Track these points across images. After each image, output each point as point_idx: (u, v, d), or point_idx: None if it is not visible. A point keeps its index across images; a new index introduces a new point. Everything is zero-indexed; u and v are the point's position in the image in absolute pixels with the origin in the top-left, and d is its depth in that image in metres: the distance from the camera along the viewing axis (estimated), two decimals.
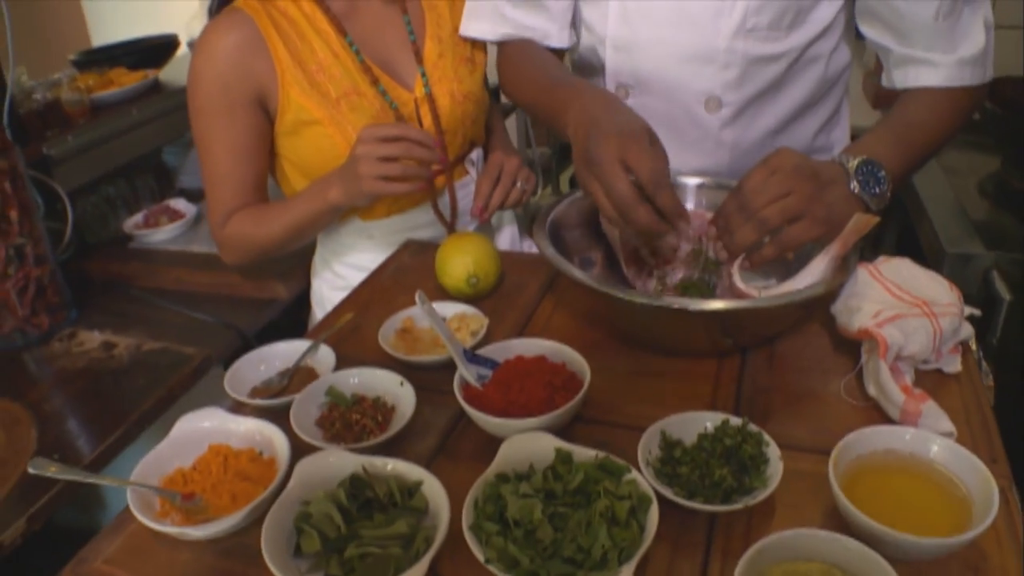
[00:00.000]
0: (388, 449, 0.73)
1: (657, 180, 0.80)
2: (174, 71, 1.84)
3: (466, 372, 0.77)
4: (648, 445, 0.70)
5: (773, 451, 0.69)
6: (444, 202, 1.21)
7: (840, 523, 0.63)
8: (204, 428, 0.75)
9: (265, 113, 1.11)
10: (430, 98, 1.15)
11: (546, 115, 1.02)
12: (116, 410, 1.05)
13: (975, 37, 0.96)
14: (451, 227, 1.22)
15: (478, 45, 1.22)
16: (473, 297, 0.98)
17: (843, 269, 0.84)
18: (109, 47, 1.82)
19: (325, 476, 0.67)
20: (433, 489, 0.65)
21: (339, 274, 1.24)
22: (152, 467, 0.71)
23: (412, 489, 0.66)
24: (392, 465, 0.68)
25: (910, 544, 0.57)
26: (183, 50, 1.94)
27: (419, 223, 1.20)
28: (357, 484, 0.66)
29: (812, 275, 0.85)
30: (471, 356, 0.79)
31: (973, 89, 0.99)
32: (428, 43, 1.16)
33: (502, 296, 1.02)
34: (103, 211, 1.57)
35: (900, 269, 0.87)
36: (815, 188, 0.83)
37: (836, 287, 0.83)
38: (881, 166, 0.88)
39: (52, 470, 0.69)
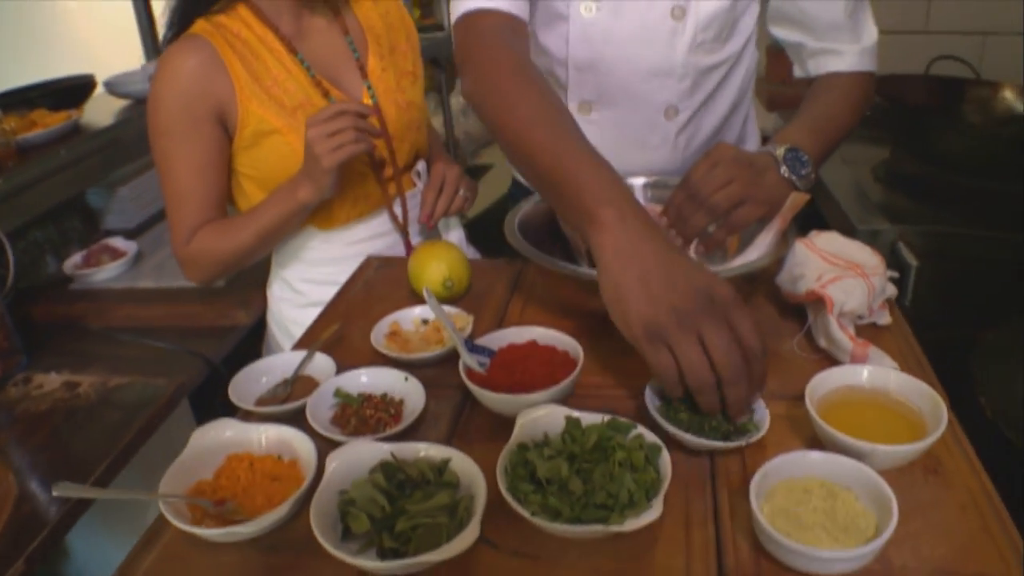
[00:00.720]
0: (404, 439, 0.77)
1: (761, 350, 0.72)
2: (93, 112, 1.82)
3: (469, 360, 0.83)
4: (650, 398, 0.78)
5: (759, 402, 0.78)
6: (397, 210, 1.28)
7: (817, 449, 0.72)
8: (221, 439, 0.77)
9: (225, 130, 1.16)
10: (377, 108, 1.23)
11: (541, 178, 0.87)
12: (93, 447, 1.04)
13: (871, 30, 1.13)
14: (405, 232, 1.28)
15: (417, 60, 1.31)
16: (448, 300, 1.04)
17: (784, 243, 0.95)
18: (25, 88, 1.78)
19: (357, 466, 0.71)
20: (462, 464, 0.70)
21: (299, 291, 1.28)
22: (174, 481, 0.73)
23: (441, 468, 0.71)
24: (417, 448, 0.73)
25: (883, 453, 0.68)
26: (100, 90, 1.91)
27: (376, 232, 1.27)
28: (389, 468, 0.71)
29: (759, 249, 0.96)
30: (470, 346, 0.85)
31: (871, 75, 1.14)
32: (371, 59, 1.24)
33: (474, 298, 1.08)
34: (34, 255, 1.54)
35: (831, 240, 1.00)
36: (753, 174, 0.94)
37: (781, 257, 0.94)
38: (804, 151, 1.00)
39: (75, 492, 0.70)
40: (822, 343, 0.90)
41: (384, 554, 0.64)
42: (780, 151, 0.99)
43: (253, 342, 1.37)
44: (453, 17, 1.03)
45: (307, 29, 1.21)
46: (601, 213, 0.76)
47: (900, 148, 1.64)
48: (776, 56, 2.16)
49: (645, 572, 0.62)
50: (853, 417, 0.74)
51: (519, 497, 0.66)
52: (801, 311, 0.97)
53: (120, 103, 1.96)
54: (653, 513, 0.63)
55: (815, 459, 0.67)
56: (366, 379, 0.85)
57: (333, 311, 1.08)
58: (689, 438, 0.73)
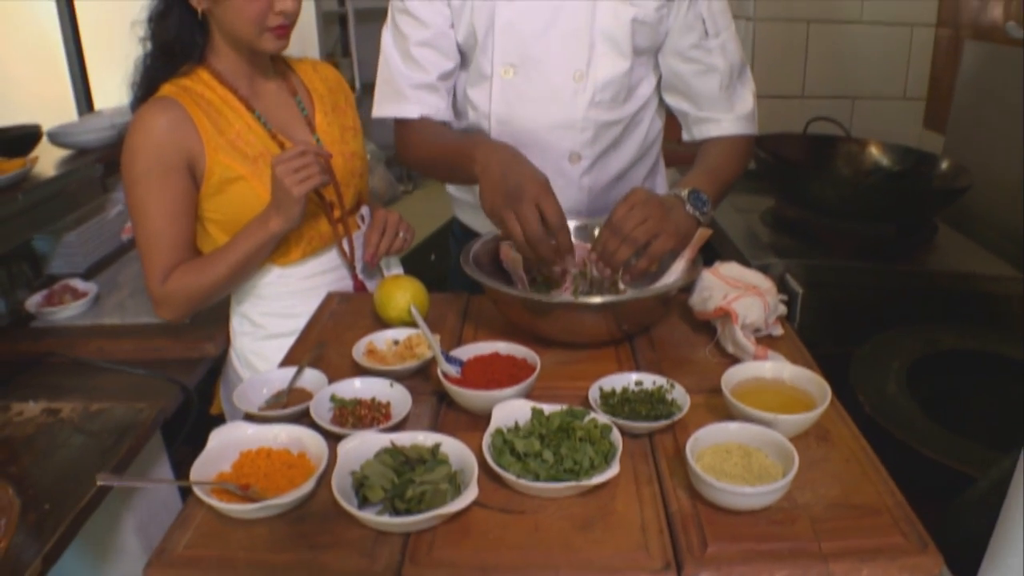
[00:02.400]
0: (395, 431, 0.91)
1: (561, 223, 1.11)
2: (37, 161, 1.88)
3: (446, 366, 0.99)
4: (593, 396, 0.95)
5: (679, 389, 0.97)
6: (346, 248, 1.43)
7: None
8: (236, 437, 0.88)
9: (193, 179, 1.30)
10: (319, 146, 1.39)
11: (448, 164, 1.30)
12: (83, 470, 1.11)
13: (746, 101, 1.39)
14: (353, 265, 1.44)
15: (356, 117, 1.50)
16: (412, 325, 1.19)
17: (693, 269, 1.16)
18: None
19: (364, 451, 0.84)
20: (452, 446, 0.85)
21: (259, 324, 1.40)
22: (199, 473, 0.84)
23: (435, 450, 0.85)
24: (413, 436, 0.87)
25: (784, 421, 0.87)
26: (44, 140, 1.98)
27: (327, 267, 1.42)
28: (391, 452, 0.85)
29: (673, 275, 1.16)
30: (445, 355, 1.01)
31: (748, 137, 1.40)
32: (318, 116, 1.41)
33: (431, 325, 1.22)
34: None
35: (731, 268, 1.21)
36: (664, 212, 1.14)
37: (691, 281, 1.14)
38: (703, 192, 1.22)
39: (117, 480, 0.81)
40: (730, 349, 1.10)
41: (399, 513, 0.77)
42: (684, 193, 1.21)
43: (220, 372, 1.47)
44: (376, 112, 1.41)
45: (261, 91, 1.38)
46: (475, 155, 1.17)
47: (783, 197, 1.91)
48: (671, 119, 2.43)
49: (609, 518, 0.78)
50: (759, 399, 0.93)
51: (504, 466, 0.82)
52: (709, 326, 1.17)
53: (62, 153, 2.02)
54: (613, 470, 0.80)
55: (733, 428, 0.86)
56: (359, 384, 0.99)
57: (307, 338, 1.21)
58: (628, 424, 0.90)
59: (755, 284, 1.16)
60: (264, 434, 0.89)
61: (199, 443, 0.89)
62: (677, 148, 2.56)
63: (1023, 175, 1.76)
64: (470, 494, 0.76)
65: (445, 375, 0.97)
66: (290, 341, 1.37)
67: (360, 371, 1.06)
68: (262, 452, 0.87)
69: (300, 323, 1.37)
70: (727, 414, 0.95)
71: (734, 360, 1.09)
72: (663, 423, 0.90)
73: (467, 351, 1.04)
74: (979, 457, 1.14)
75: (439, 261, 2.73)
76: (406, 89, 1.36)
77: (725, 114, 1.37)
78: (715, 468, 0.82)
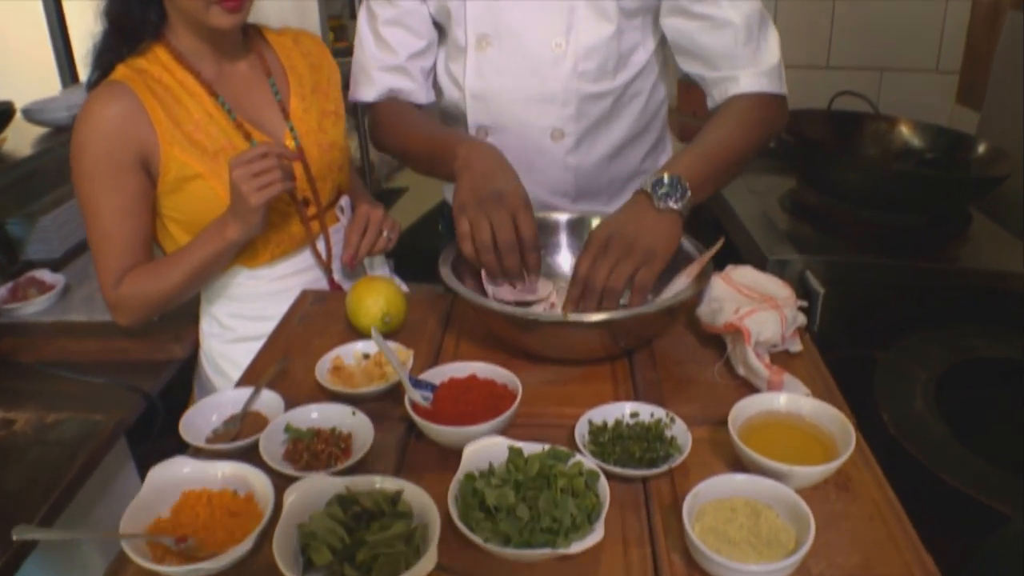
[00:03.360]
0: (355, 472, 0.81)
1: (535, 244, 1.02)
2: (11, 140, 1.77)
3: (414, 394, 0.87)
4: (581, 433, 0.84)
5: (680, 425, 0.85)
6: (320, 246, 1.31)
7: (740, 470, 0.80)
8: (177, 476, 0.78)
9: (148, 175, 1.17)
10: (300, 149, 1.26)
11: (427, 155, 1.19)
12: (33, 486, 1.02)
13: (770, 53, 1.18)
14: (328, 268, 1.31)
15: (339, 100, 1.36)
16: (386, 334, 1.08)
17: (701, 279, 1.02)
18: None
19: (313, 499, 0.74)
20: (414, 494, 0.74)
21: (228, 326, 1.29)
22: (133, 520, 0.74)
23: (395, 499, 0.75)
24: (371, 481, 0.76)
25: (800, 473, 0.75)
26: (18, 117, 1.86)
27: (299, 268, 1.30)
28: (344, 501, 0.74)
29: (674, 290, 1.03)
30: (414, 381, 0.89)
31: (773, 96, 1.19)
32: (293, 100, 1.27)
33: (409, 332, 1.12)
34: None
35: (745, 274, 1.08)
36: (633, 240, 0.98)
37: (696, 293, 1.01)
38: (677, 176, 1.02)
39: (36, 534, 0.71)
40: (741, 371, 0.98)
41: None
42: (650, 183, 1.02)
43: (189, 375, 1.37)
44: (350, 96, 1.33)
45: (228, 73, 1.24)
46: (458, 151, 1.07)
47: (803, 180, 1.77)
48: (687, 88, 2.28)
49: None
50: (771, 440, 0.81)
51: (471, 525, 0.71)
52: (719, 340, 1.05)
53: (38, 131, 1.91)
54: (596, 536, 0.69)
55: (739, 481, 0.74)
56: (316, 415, 0.88)
57: (274, 345, 1.10)
58: (618, 470, 0.79)
59: (771, 294, 1.04)
60: (206, 472, 0.79)
61: (173, 443, 0.81)
62: (691, 121, 2.42)
63: None
64: (428, 561, 0.66)
65: (413, 405, 0.86)
66: (260, 345, 1.28)
67: (323, 392, 0.95)
68: (203, 495, 0.77)
69: (271, 326, 1.26)
70: (733, 453, 0.83)
71: (744, 383, 0.98)
72: (659, 470, 0.79)
73: (441, 373, 0.93)
74: (1015, 491, 1.02)
75: (438, 238, 2.60)
76: (373, 72, 1.26)
77: (743, 70, 1.18)
78: (717, 531, 0.70)
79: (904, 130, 1.81)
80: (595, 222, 1.18)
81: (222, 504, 0.76)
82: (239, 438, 0.86)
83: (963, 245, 1.58)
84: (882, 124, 1.84)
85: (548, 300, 1.09)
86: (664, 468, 0.79)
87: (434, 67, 1.32)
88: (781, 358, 1.02)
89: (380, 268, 1.40)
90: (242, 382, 1.00)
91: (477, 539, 0.69)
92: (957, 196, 1.60)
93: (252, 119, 1.22)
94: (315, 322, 1.16)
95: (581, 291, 0.99)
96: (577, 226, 1.20)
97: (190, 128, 1.17)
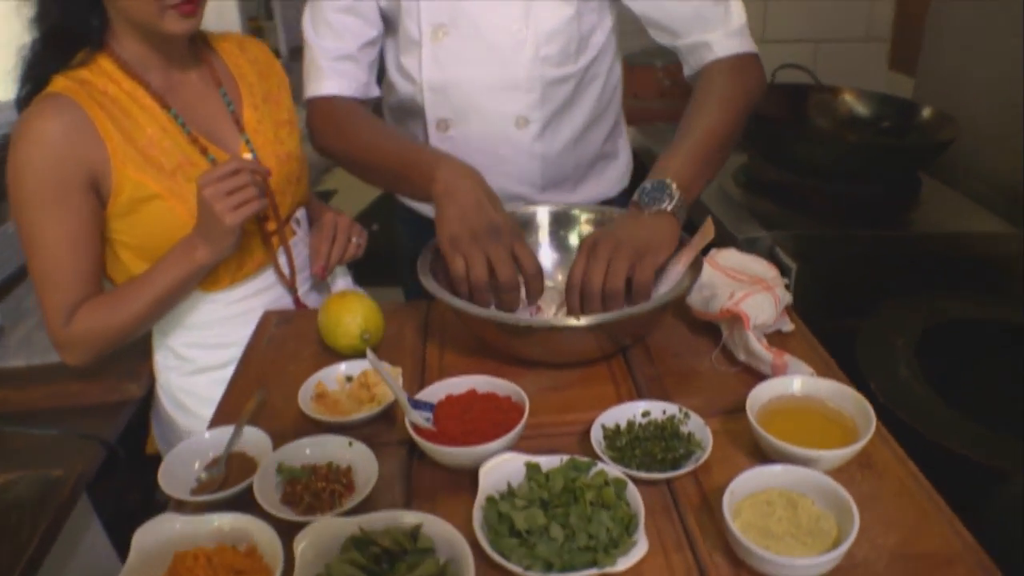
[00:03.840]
0: (364, 509, 0.74)
1: (538, 270, 0.97)
2: None
3: (416, 416, 0.82)
4: (597, 439, 0.80)
5: (696, 419, 0.82)
6: (282, 261, 1.23)
7: (761, 459, 0.77)
8: (167, 536, 0.71)
9: (98, 196, 1.07)
10: (257, 163, 1.16)
11: (393, 172, 1.11)
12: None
13: (736, 13, 1.16)
14: (293, 286, 1.24)
15: (292, 108, 1.28)
16: (364, 352, 1.01)
17: (694, 269, 0.99)
18: None
19: (326, 545, 0.68)
20: (435, 526, 0.69)
21: (186, 357, 1.20)
22: None
23: (414, 533, 0.69)
24: (385, 518, 0.70)
25: (828, 457, 0.73)
26: None
27: (262, 287, 1.22)
28: (360, 543, 0.68)
29: (669, 282, 0.99)
30: (413, 402, 0.84)
31: (749, 55, 1.16)
32: (246, 111, 1.19)
33: (389, 346, 1.06)
34: None
35: (730, 257, 1.06)
36: (621, 241, 0.94)
37: (691, 286, 0.97)
38: (664, 181, 1.00)
39: None
40: (741, 357, 0.96)
41: None
42: (636, 195, 1.01)
43: (146, 415, 1.27)
44: (304, 97, 1.23)
45: (178, 82, 1.14)
46: (436, 174, 1.00)
47: (757, 155, 1.77)
48: (630, 70, 2.26)
49: None
50: (790, 425, 0.79)
51: (504, 553, 0.66)
52: (711, 327, 1.03)
53: None
54: (640, 548, 0.65)
55: (774, 472, 0.72)
56: (309, 451, 0.81)
57: (245, 375, 1.03)
58: (643, 475, 0.75)
59: (760, 276, 1.02)
60: (200, 529, 0.72)
61: (137, 487, 0.71)
62: (634, 103, 2.41)
63: (1007, 119, 1.65)
64: None
65: (415, 428, 0.81)
66: (224, 374, 1.18)
67: (309, 423, 0.89)
68: (200, 555, 0.70)
69: (234, 353, 1.18)
70: (751, 441, 0.81)
71: (745, 369, 0.95)
72: (685, 470, 0.76)
73: (437, 391, 0.88)
74: (1010, 450, 1.03)
75: (382, 236, 2.51)
76: (324, 63, 1.18)
77: (714, 32, 1.15)
78: (757, 527, 0.68)
79: (848, 99, 1.83)
80: (584, 219, 1.15)
81: (224, 563, 0.69)
82: (227, 485, 0.79)
83: (916, 209, 1.61)
84: (826, 94, 1.86)
85: (535, 304, 1.04)
86: (690, 467, 0.76)
87: (379, 63, 1.26)
88: (775, 339, 1.01)
89: (342, 278, 1.33)
90: (217, 420, 0.92)
91: (517, 568, 0.64)
92: (909, 162, 1.63)
93: (206, 132, 1.13)
94: (285, 345, 1.09)
95: (580, 296, 0.94)
96: (560, 220, 1.16)
97: (144, 144, 1.06)
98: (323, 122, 1.20)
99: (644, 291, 0.94)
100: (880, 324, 1.30)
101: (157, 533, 0.71)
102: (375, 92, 1.23)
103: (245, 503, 0.76)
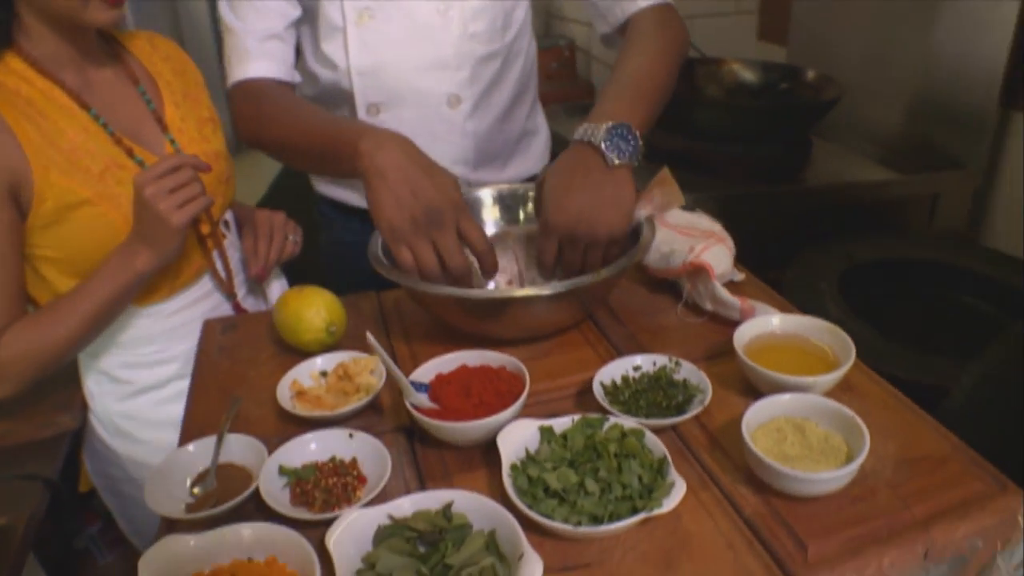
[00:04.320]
0: (383, 498, 0.71)
1: (489, 247, 0.94)
2: None
3: (416, 398, 0.80)
4: (600, 396, 0.81)
5: (687, 366, 0.84)
6: (218, 268, 1.17)
7: (753, 395, 0.80)
8: (178, 557, 0.65)
9: (17, 208, 0.96)
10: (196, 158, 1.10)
11: (317, 153, 1.03)
12: None
13: None
14: (231, 291, 1.18)
15: (211, 105, 1.20)
16: (332, 345, 0.98)
17: (651, 228, 1.01)
18: None
19: (357, 539, 0.65)
20: (467, 500, 0.68)
21: (123, 379, 1.11)
22: None
23: (446, 512, 0.68)
24: (410, 503, 0.68)
25: (822, 382, 0.78)
26: None
27: (198, 296, 1.15)
28: (396, 532, 0.66)
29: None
30: (412, 384, 0.81)
31: (668, 8, 1.16)
32: (168, 109, 1.11)
33: (350, 340, 1.02)
34: None
35: (678, 216, 1.10)
36: (595, 225, 0.92)
37: (649, 245, 0.98)
38: (626, 124, 0.94)
39: None
40: (708, 307, 0.99)
41: None
42: (600, 136, 0.93)
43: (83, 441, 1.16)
44: (228, 84, 1.14)
45: (94, 81, 1.04)
46: (360, 147, 0.92)
47: (655, 127, 1.83)
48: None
49: (689, 545, 0.65)
50: (776, 359, 0.83)
51: (547, 514, 0.66)
52: (668, 285, 1.06)
53: None
54: (680, 487, 0.66)
55: (781, 401, 0.75)
56: (315, 445, 0.77)
57: (202, 389, 0.95)
58: (653, 422, 0.77)
59: (710, 230, 1.06)
60: (216, 544, 0.67)
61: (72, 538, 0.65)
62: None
63: (875, 77, 1.80)
64: (535, 564, 0.60)
65: (417, 408, 0.79)
66: (165, 393, 1.13)
67: (291, 425, 0.84)
68: (227, 571, 0.65)
69: (175, 369, 1.12)
70: (740, 381, 0.85)
71: (712, 318, 0.99)
72: (692, 413, 0.78)
73: (426, 372, 0.86)
74: (942, 368, 1.13)
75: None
76: (251, 43, 1.11)
77: None
78: (773, 453, 0.71)
79: (734, 68, 1.93)
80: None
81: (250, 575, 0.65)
82: (225, 498, 0.74)
83: (810, 166, 1.72)
84: (711, 66, 1.96)
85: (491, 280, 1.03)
86: (698, 410, 0.78)
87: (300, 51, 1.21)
88: (730, 287, 1.04)
89: (277, 279, 1.27)
90: (184, 439, 0.85)
91: (566, 527, 0.64)
92: (801, 122, 1.75)
93: (129, 133, 1.04)
94: (239, 352, 1.02)
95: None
96: (504, 201, 1.15)
97: (66, 147, 0.97)
98: (251, 107, 1.11)
99: (617, 246, 0.95)
100: (802, 272, 1.39)
101: (166, 554, 0.65)
102: (298, 78, 1.19)
103: (245, 514, 0.72)
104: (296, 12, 1.14)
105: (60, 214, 0.96)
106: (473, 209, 1.12)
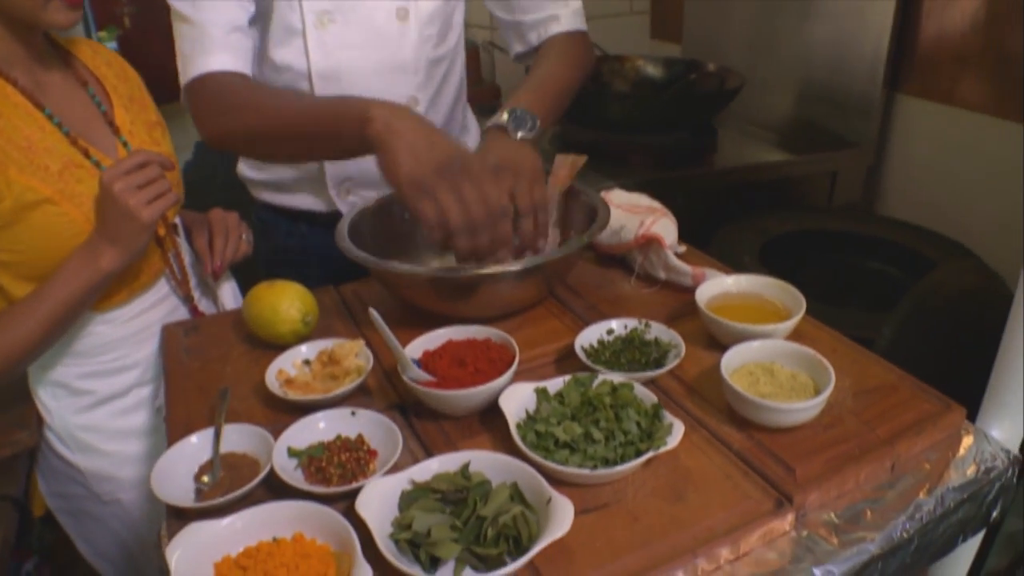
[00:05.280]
0: (396, 470, 0.73)
1: (542, 204, 0.97)
2: None
3: (415, 372, 0.82)
4: (582, 357, 0.86)
5: (657, 326, 0.91)
6: (176, 269, 1.15)
7: (718, 349, 0.87)
8: (202, 549, 0.66)
9: None
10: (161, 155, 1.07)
11: (311, 131, 1.02)
12: None
13: None
14: (188, 293, 1.16)
15: (156, 110, 1.17)
16: (307, 336, 0.99)
17: (605, 207, 1.07)
18: None
19: (385, 506, 0.68)
20: (482, 459, 0.71)
21: (82, 390, 1.07)
22: None
23: (464, 472, 0.71)
24: (426, 469, 0.71)
25: (781, 329, 0.87)
26: None
27: (156, 299, 1.12)
28: (421, 494, 0.69)
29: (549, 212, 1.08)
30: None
31: (583, 35, 1.28)
32: (118, 111, 1.08)
33: (322, 334, 1.03)
34: None
35: (619, 195, 1.17)
36: (498, 164, 0.97)
37: (607, 221, 1.05)
38: (523, 108, 1.07)
39: None
40: (661, 275, 1.07)
41: (486, 561, 0.63)
42: (505, 117, 1.06)
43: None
44: (183, 82, 1.08)
45: (45, 83, 1.00)
46: (371, 113, 0.92)
47: (569, 122, 1.92)
48: None
49: (692, 479, 0.72)
50: (736, 314, 0.91)
51: (562, 463, 0.70)
52: (617, 260, 1.14)
53: None
54: (679, 427, 0.73)
55: (752, 347, 0.83)
56: (323, 424, 0.79)
57: (178, 391, 0.94)
58: (638, 375, 0.83)
59: (653, 206, 1.14)
60: (242, 526, 0.67)
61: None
62: None
63: (765, 67, 1.95)
64: (564, 508, 0.64)
65: (417, 382, 0.82)
66: (128, 402, 1.10)
67: (282, 413, 0.85)
68: (260, 550, 0.66)
69: (136, 376, 1.10)
70: (704, 337, 0.92)
71: (665, 285, 1.07)
72: (672, 365, 0.84)
73: (414, 349, 0.88)
74: (864, 321, 1.26)
75: None
76: (216, 34, 1.06)
77: (562, 9, 1.25)
78: (750, 392, 0.78)
79: (638, 64, 2.04)
80: None
81: (281, 556, 0.65)
82: (236, 486, 0.74)
83: (717, 151, 1.85)
84: (614, 63, 2.06)
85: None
86: (675, 362, 0.84)
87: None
88: (678, 257, 1.13)
89: (227, 279, 1.25)
90: (171, 441, 0.84)
91: (583, 471, 0.69)
92: (708, 110, 1.87)
93: (83, 134, 1.01)
94: (209, 352, 1.01)
95: (468, 226, 0.91)
96: None
97: (24, 144, 0.93)
98: (217, 100, 1.06)
99: (544, 212, 1.00)
100: (723, 246, 1.50)
101: (192, 550, 0.65)
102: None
103: (256, 499, 0.72)
104: (252, 8, 1.12)
105: (18, 214, 0.93)
106: None
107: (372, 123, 0.91)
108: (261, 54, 1.18)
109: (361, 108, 0.94)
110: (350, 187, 1.25)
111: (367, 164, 1.02)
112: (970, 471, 0.76)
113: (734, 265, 1.44)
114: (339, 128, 0.97)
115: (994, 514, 0.79)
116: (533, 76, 1.19)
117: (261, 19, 1.15)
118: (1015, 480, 0.79)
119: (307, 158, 1.18)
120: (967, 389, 0.85)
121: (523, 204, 0.98)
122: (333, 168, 1.23)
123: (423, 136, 0.90)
